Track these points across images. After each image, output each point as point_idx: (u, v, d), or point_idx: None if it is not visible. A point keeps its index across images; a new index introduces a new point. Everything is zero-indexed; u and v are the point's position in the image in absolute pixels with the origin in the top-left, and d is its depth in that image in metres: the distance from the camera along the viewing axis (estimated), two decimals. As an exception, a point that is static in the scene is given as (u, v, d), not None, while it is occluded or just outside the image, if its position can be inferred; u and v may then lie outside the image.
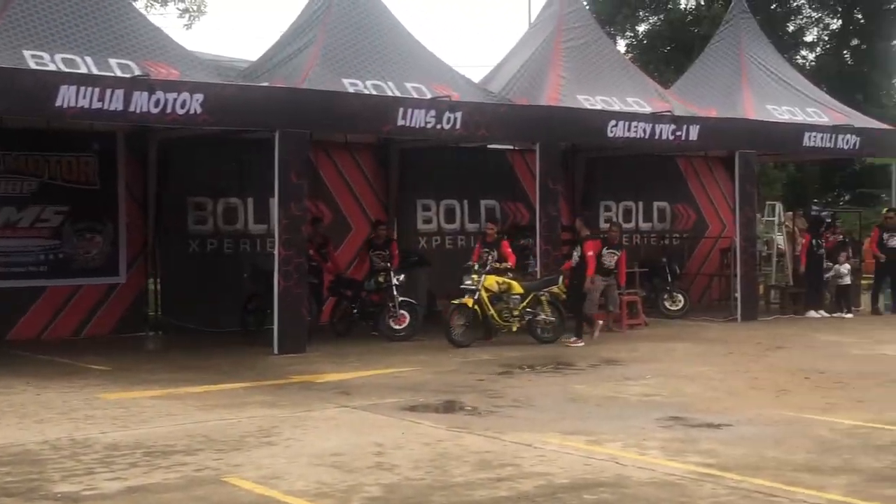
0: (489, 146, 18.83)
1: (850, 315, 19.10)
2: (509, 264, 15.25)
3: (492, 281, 14.68)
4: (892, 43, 34.72)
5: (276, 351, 13.66)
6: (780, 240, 20.90)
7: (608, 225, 17.47)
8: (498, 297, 14.79)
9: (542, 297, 15.01)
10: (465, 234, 19.10)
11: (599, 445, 8.11)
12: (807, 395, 10.55)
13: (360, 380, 11.71)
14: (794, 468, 7.34)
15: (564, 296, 15.15)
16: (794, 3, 35.32)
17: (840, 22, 35.23)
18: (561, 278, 15.23)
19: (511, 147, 19.13)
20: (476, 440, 8.30)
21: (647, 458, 7.67)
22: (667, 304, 19.10)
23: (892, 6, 33.97)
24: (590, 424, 8.98)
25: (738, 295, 18.28)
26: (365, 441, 8.28)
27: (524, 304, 14.85)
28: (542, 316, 15.00)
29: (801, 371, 12.23)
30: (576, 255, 15.42)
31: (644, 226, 21.68)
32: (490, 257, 15.15)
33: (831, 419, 9.16)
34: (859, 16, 34.68)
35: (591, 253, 15.14)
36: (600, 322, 15.66)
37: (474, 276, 14.59)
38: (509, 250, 15.50)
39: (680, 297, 19.21)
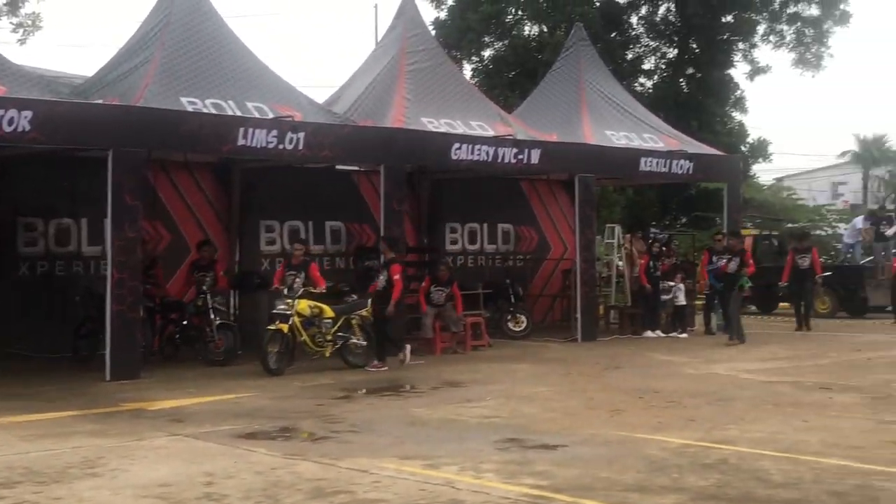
0: (336, 167, 18.73)
1: (684, 335, 19.72)
2: (321, 288, 14.71)
3: (304, 305, 14.24)
4: (725, 72, 36.13)
5: (108, 377, 13.19)
6: (619, 261, 21.43)
7: (443, 267, 17.46)
8: (310, 322, 14.39)
9: (353, 321, 14.75)
10: (310, 255, 18.83)
11: (436, 469, 8.07)
12: (640, 415, 10.78)
13: (194, 406, 11.39)
14: (624, 488, 7.46)
15: (372, 319, 14.83)
16: (633, 33, 36.41)
17: (676, 51, 36.47)
18: (370, 301, 14.96)
19: (357, 168, 19.07)
20: (311, 467, 8.15)
21: (483, 482, 7.67)
22: (510, 324, 19.35)
23: (725, 36, 35.38)
24: (427, 448, 8.94)
25: (578, 315, 18.62)
26: (195, 471, 8.03)
27: (336, 328, 14.58)
28: (354, 340, 14.74)
29: (635, 390, 12.50)
30: (382, 278, 15.04)
31: (489, 247, 21.93)
32: (297, 281, 14.60)
33: (662, 438, 9.36)
34: (694, 45, 35.97)
35: (397, 276, 14.86)
36: (408, 346, 15.10)
37: (288, 301, 14.14)
38: (318, 274, 14.90)
39: (523, 317, 19.48)
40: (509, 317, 19.39)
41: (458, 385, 13.19)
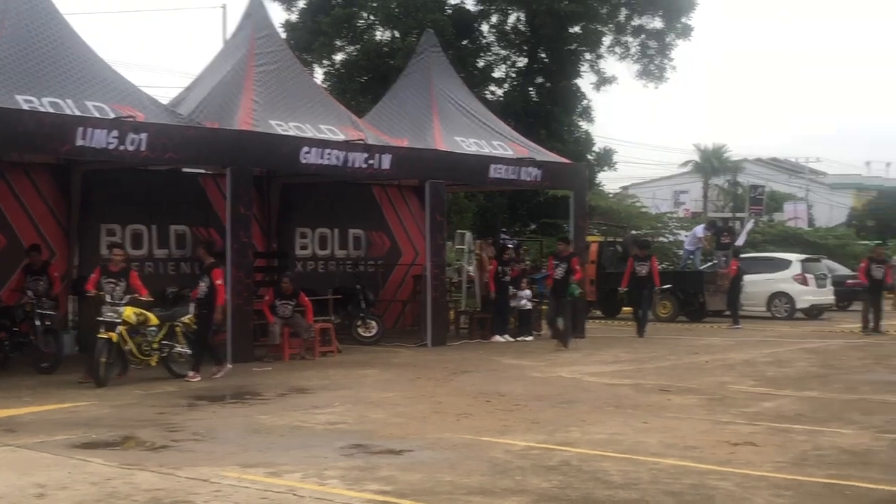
0: (182, 169, 18.31)
1: (531, 339, 20.01)
2: (146, 296, 14.01)
3: (130, 313, 13.61)
4: (572, 82, 36.91)
5: (-64, 387, 12.58)
6: (469, 267, 21.63)
7: (286, 280, 17.17)
8: (136, 330, 13.79)
9: (177, 328, 14.23)
10: (154, 260, 18.41)
11: (279, 477, 7.94)
12: (486, 418, 10.86)
13: (29, 416, 10.92)
14: (468, 491, 7.49)
15: (195, 326, 14.34)
16: (484, 41, 36.83)
17: (526, 60, 37.07)
18: (192, 307, 14.47)
19: (203, 171, 18.68)
20: (149, 477, 7.91)
21: (326, 489, 7.59)
22: (360, 330, 19.26)
23: (573, 47, 36.14)
24: (271, 456, 8.79)
25: (428, 321, 18.65)
26: (26, 482, 7.69)
27: (161, 335, 14.04)
28: (178, 348, 14.21)
29: (482, 394, 12.60)
30: (203, 284, 14.45)
31: (340, 253, 21.79)
32: (117, 289, 13.79)
33: (507, 441, 9.45)
34: (543, 55, 36.62)
35: (219, 281, 14.36)
36: (229, 366, 14.69)
37: (117, 309, 13.48)
38: (139, 282, 14.13)
39: (373, 323, 19.42)
40: (359, 322, 19.31)
41: (305, 391, 13.04)
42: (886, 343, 19.79)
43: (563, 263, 18.60)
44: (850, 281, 28.11)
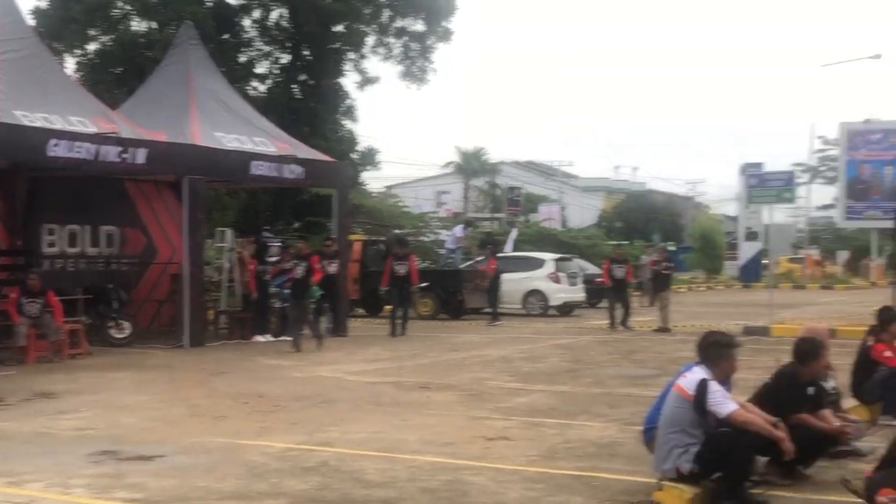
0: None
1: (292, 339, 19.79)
2: None
3: None
4: (336, 80, 36.88)
5: None
6: (229, 265, 21.18)
7: (33, 277, 16.33)
8: None
9: None
10: None
11: (19, 487, 7.50)
12: (244, 420, 10.65)
13: None
14: (222, 496, 7.31)
15: None
16: (246, 36, 36.26)
17: (290, 57, 36.74)
18: None
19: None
20: None
21: (71, 498, 7.23)
22: (112, 331, 18.52)
23: (337, 46, 36.11)
24: (12, 464, 8.29)
25: (185, 321, 18.13)
26: None
27: None
28: None
29: (241, 396, 12.36)
30: None
31: (91, 251, 20.84)
32: None
33: (265, 443, 9.29)
34: (307, 53, 36.39)
35: None
36: None
37: None
38: None
39: (126, 324, 18.72)
40: (112, 323, 18.55)
41: (52, 396, 12.38)
42: (633, 339, 20.82)
43: (304, 262, 18.54)
44: (598, 279, 29.44)
